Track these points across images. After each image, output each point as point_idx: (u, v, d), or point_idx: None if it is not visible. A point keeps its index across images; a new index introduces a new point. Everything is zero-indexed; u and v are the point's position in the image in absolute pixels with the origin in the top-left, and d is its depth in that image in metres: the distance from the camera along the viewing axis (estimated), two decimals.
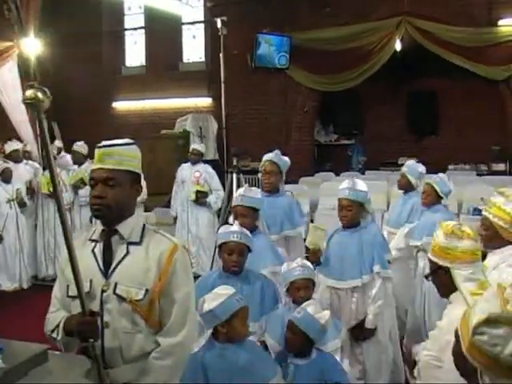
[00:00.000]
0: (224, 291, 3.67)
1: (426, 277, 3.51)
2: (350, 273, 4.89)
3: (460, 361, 2.40)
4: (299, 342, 3.86)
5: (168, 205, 10.25)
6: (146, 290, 2.74)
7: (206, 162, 12.41)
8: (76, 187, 9.63)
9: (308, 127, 13.89)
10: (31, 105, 2.52)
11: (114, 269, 2.79)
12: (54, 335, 2.84)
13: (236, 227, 4.41)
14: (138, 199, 9.63)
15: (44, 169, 9.69)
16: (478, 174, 12.64)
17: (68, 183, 9.63)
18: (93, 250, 2.86)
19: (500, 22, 11.53)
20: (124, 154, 2.86)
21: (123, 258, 2.80)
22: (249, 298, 4.10)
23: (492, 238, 3.76)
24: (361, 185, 4.88)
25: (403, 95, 14.18)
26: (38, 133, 2.59)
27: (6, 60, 11.58)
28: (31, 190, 9.57)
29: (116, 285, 2.76)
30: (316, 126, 14.60)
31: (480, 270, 3.26)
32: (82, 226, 9.63)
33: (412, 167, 6.94)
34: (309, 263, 4.46)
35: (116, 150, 2.85)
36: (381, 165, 13.92)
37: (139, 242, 2.83)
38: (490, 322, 2.17)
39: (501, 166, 12.89)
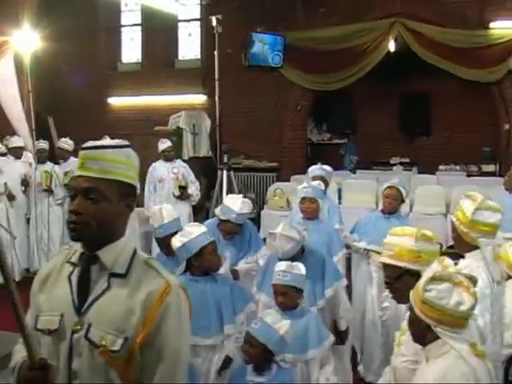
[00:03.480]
0: (195, 228, 4.18)
1: (387, 283, 3.47)
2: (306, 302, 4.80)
3: (414, 326, 2.82)
4: (258, 354, 3.69)
5: None
6: (126, 339, 2.12)
7: (199, 158, 12.58)
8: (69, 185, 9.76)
9: (301, 126, 13.98)
10: None
11: (90, 306, 2.19)
12: (12, 377, 2.25)
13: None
14: None
15: (39, 163, 9.84)
16: (468, 175, 12.77)
17: (62, 182, 9.76)
18: (69, 276, 2.26)
19: (491, 25, 11.64)
20: (113, 160, 2.23)
21: (102, 294, 2.19)
22: (220, 300, 4.19)
23: (457, 240, 3.84)
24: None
25: (396, 96, 14.27)
26: None
27: (2, 55, 11.63)
28: (26, 183, 9.70)
29: (89, 327, 2.16)
30: (309, 125, 14.68)
31: None
32: None
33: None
34: (301, 268, 4.30)
35: (103, 154, 2.22)
36: (373, 164, 14.05)
37: (124, 275, 2.21)
38: (435, 279, 2.68)
39: (491, 167, 13.01)
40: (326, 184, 6.85)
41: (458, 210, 3.81)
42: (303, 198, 5.82)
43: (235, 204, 5.41)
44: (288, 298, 4.21)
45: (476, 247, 3.68)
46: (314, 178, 6.80)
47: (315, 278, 4.84)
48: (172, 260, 4.64)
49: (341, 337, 4.95)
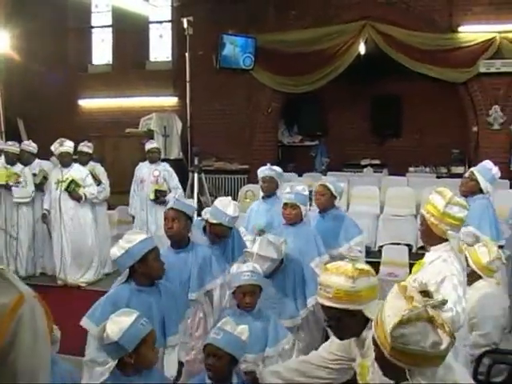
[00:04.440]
0: (126, 317, 3.36)
1: (329, 325, 3.28)
2: (287, 313, 4.82)
3: (385, 364, 2.52)
4: (224, 365, 3.54)
5: None
6: None
7: (170, 161, 12.49)
8: (41, 185, 9.63)
9: (272, 128, 14.02)
10: None
11: None
12: None
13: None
14: (100, 197, 9.54)
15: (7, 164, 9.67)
16: (437, 177, 12.89)
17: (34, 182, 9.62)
18: None
19: (460, 29, 11.83)
20: None
21: None
22: (164, 312, 4.08)
23: (425, 232, 3.99)
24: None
25: (367, 98, 14.36)
26: None
27: None
28: None
29: None
30: (280, 127, 14.72)
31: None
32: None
33: None
34: (259, 268, 4.36)
35: None
36: (344, 166, 14.12)
37: None
38: (403, 322, 2.32)
39: (460, 169, 13.11)
40: (276, 185, 6.79)
41: (428, 204, 3.98)
42: (285, 204, 5.75)
43: (227, 207, 5.30)
44: (255, 298, 4.24)
45: (442, 240, 3.86)
46: (263, 179, 6.76)
47: (295, 287, 4.84)
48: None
49: None
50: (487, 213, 6.36)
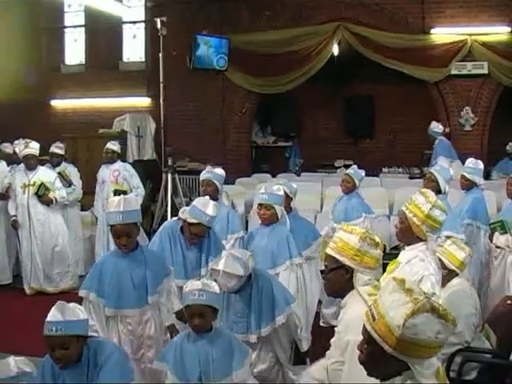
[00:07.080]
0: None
1: (322, 272, 3.63)
2: (250, 328, 4.60)
3: (378, 360, 2.41)
4: None
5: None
6: None
7: (144, 161, 12.44)
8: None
9: (245, 128, 14.03)
10: None
11: None
12: None
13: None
14: (70, 198, 9.43)
15: None
16: (410, 177, 12.94)
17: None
18: None
19: (432, 31, 11.96)
20: None
21: None
22: (145, 272, 4.56)
23: (404, 231, 4.06)
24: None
25: (340, 99, 14.45)
26: None
27: None
28: None
29: None
30: (254, 128, 14.74)
31: (375, 277, 3.50)
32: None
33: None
34: (215, 287, 4.03)
35: None
36: (317, 167, 14.16)
37: None
38: (415, 312, 2.30)
39: None
40: (216, 189, 6.49)
41: (411, 203, 4.04)
42: (260, 205, 5.67)
43: (207, 206, 5.20)
44: (205, 320, 3.91)
45: (419, 240, 3.98)
46: (202, 183, 6.58)
47: (262, 302, 4.61)
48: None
49: (302, 357, 4.81)
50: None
